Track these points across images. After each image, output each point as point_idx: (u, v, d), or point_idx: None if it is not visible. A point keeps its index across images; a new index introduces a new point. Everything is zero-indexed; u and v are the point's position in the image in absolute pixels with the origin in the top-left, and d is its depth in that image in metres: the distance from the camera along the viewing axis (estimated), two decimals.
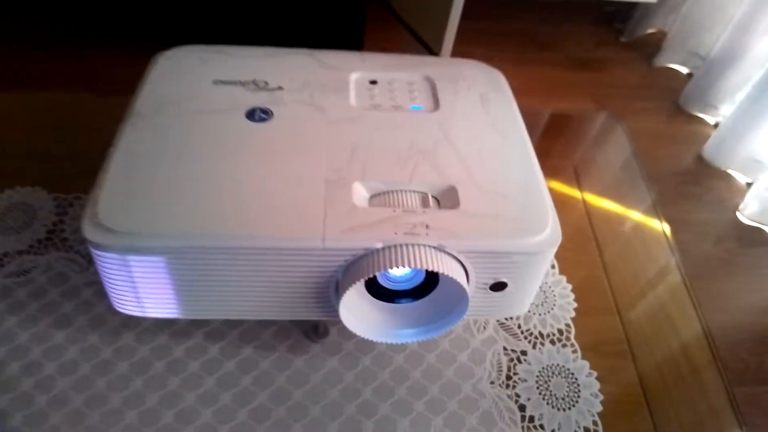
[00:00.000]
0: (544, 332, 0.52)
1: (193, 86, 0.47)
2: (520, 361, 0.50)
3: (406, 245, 0.38)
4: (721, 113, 1.50)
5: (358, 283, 0.38)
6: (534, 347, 0.51)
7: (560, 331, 0.53)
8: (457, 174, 0.43)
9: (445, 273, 0.38)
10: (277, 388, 0.46)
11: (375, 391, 0.47)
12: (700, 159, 1.45)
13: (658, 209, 0.64)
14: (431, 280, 0.43)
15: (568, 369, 0.50)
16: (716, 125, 1.51)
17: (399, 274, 0.43)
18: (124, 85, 0.50)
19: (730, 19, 1.37)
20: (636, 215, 0.65)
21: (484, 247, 0.39)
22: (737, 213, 1.32)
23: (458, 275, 0.39)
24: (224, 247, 0.37)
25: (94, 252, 0.38)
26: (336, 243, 0.38)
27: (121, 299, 0.41)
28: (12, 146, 0.60)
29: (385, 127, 0.46)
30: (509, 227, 0.40)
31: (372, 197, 0.42)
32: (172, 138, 0.43)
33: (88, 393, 0.44)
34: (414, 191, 0.42)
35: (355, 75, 0.51)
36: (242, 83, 0.48)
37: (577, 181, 0.66)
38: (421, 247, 0.38)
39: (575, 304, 0.55)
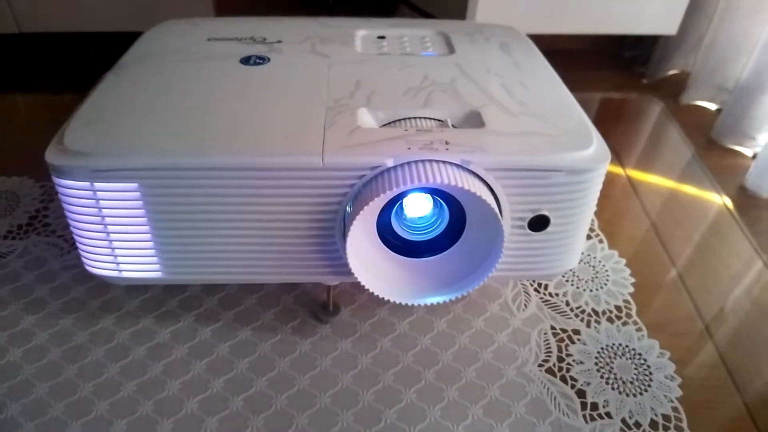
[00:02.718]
0: (599, 309, 0.43)
1: (184, 43, 0.44)
2: (572, 341, 0.41)
3: (423, 161, 0.32)
4: (759, 143, 1.42)
5: (366, 214, 0.31)
6: (588, 326, 0.42)
7: (618, 308, 0.44)
8: (480, 100, 0.37)
9: (471, 191, 0.31)
10: (279, 374, 0.38)
11: (397, 376, 0.38)
12: (743, 190, 1.36)
13: (714, 182, 0.56)
14: (456, 225, 0.36)
15: (634, 349, 0.41)
16: (755, 156, 1.44)
17: (418, 215, 0.36)
18: None
19: (755, 43, 1.34)
20: (689, 189, 0.57)
21: (518, 163, 0.32)
22: None
23: (487, 197, 0.32)
24: (205, 166, 0.31)
25: (59, 184, 0.32)
26: (337, 159, 0.32)
27: (93, 253, 0.35)
28: (7, 142, 0.58)
29: (394, 67, 0.41)
30: (547, 143, 0.34)
31: (380, 126, 0.36)
32: (157, 75, 0.39)
33: (54, 381, 0.37)
34: (429, 118, 0.36)
35: (361, 31, 0.47)
36: (238, 39, 0.44)
37: (618, 159, 0.59)
38: (441, 164, 0.32)
39: (633, 279, 0.46)
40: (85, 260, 0.36)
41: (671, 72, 1.68)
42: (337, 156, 0.32)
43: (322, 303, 0.42)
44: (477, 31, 0.49)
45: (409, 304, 0.35)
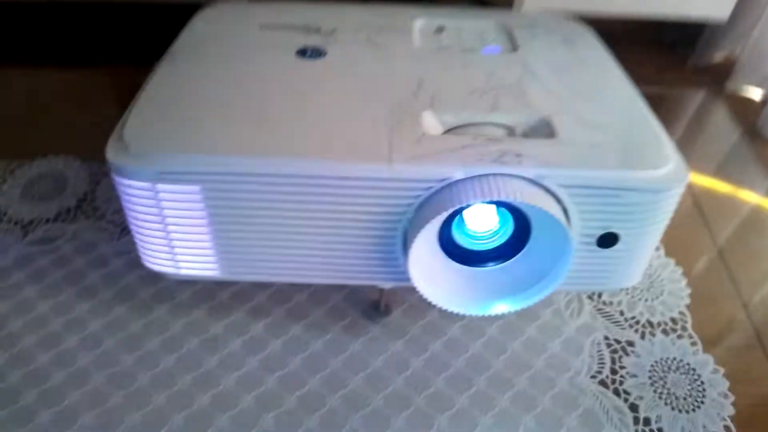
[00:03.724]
0: (654, 321, 0.43)
1: (237, 30, 0.42)
2: (626, 353, 0.40)
3: (494, 175, 0.31)
4: None
5: (431, 226, 0.31)
6: (642, 337, 0.42)
7: (673, 320, 0.43)
8: (549, 106, 0.36)
9: (545, 209, 0.30)
10: (331, 373, 0.38)
11: (448, 381, 0.38)
12: None
13: None
14: (519, 237, 0.35)
15: (688, 364, 0.40)
16: None
17: (482, 230, 0.35)
18: None
19: None
20: (750, 195, 0.55)
21: (592, 180, 0.31)
22: None
23: (560, 216, 0.31)
24: (270, 172, 0.31)
25: (120, 183, 0.32)
26: (405, 170, 0.31)
27: (152, 249, 0.35)
28: (51, 119, 0.57)
29: (455, 65, 0.40)
30: (622, 158, 0.32)
31: (446, 131, 0.35)
32: (213, 67, 0.38)
33: (112, 370, 0.37)
34: (497, 124, 0.35)
35: (418, 21, 0.45)
36: (292, 27, 0.43)
37: None
38: (513, 178, 0.31)
39: (688, 290, 0.45)
40: (143, 256, 0.36)
41: (717, 57, 1.60)
42: (405, 166, 0.31)
43: (373, 303, 0.41)
44: (538, 24, 0.47)
45: (471, 315, 0.35)
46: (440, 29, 0.45)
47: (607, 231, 0.33)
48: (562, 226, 0.31)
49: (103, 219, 0.46)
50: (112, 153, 0.31)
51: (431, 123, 0.34)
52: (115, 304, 0.41)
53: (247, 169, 0.30)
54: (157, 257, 0.35)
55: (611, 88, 0.39)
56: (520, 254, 0.35)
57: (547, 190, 0.31)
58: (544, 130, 0.34)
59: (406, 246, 0.33)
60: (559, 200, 0.32)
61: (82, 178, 0.50)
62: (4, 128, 0.56)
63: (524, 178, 0.31)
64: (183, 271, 0.36)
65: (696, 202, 0.53)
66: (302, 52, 0.40)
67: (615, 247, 0.34)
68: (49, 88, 0.61)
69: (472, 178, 0.31)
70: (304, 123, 0.33)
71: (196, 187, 0.31)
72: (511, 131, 0.35)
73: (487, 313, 0.35)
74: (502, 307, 0.35)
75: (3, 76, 0.63)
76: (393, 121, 0.33)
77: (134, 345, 0.38)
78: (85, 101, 0.59)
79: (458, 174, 0.31)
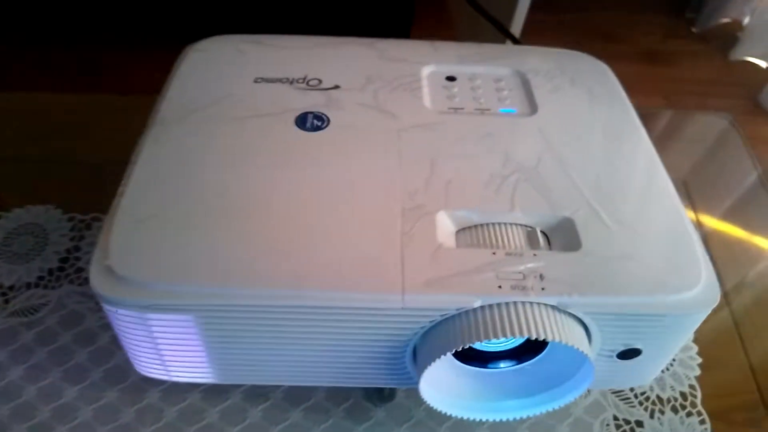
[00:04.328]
0: (664, 396, 0.42)
1: (229, 86, 0.38)
2: None
3: (515, 304, 0.28)
4: None
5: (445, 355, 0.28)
6: (652, 416, 0.40)
7: (683, 395, 0.42)
8: (572, 200, 0.33)
9: (565, 343, 0.28)
10: None
11: None
12: None
13: None
14: (535, 342, 0.33)
15: None
16: None
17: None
18: (155, 84, 0.41)
19: None
20: (760, 240, 0.54)
21: (619, 307, 0.29)
22: None
23: (583, 345, 0.29)
24: (270, 305, 0.28)
25: (106, 308, 0.29)
26: (419, 300, 0.28)
27: (142, 361, 0.33)
28: (21, 154, 0.52)
29: (470, 137, 0.36)
30: (650, 278, 0.30)
31: (460, 231, 0.32)
32: (204, 155, 0.34)
33: None
34: (517, 224, 0.32)
35: (427, 69, 0.41)
36: (290, 81, 0.39)
37: (690, 199, 0.54)
38: (535, 307, 0.28)
39: (699, 359, 0.44)
40: (133, 363, 0.33)
41: (724, 20, 1.54)
42: (419, 295, 0.28)
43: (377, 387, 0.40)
44: (558, 68, 0.43)
45: (485, 419, 0.33)
46: (451, 78, 0.41)
47: (630, 347, 0.31)
48: (582, 355, 0.29)
49: (87, 283, 0.43)
50: (97, 282, 0.28)
51: (446, 225, 0.32)
52: (105, 387, 0.39)
53: (242, 301, 0.28)
54: (147, 367, 0.33)
55: (639, 174, 0.36)
56: (536, 359, 0.33)
57: (572, 316, 0.29)
58: (567, 234, 0.32)
59: (417, 360, 0.31)
60: (581, 322, 0.30)
61: (64, 232, 0.46)
62: None
63: (548, 306, 0.28)
64: (175, 378, 0.33)
65: (711, 252, 0.51)
66: (302, 121, 0.36)
67: (635, 359, 0.32)
68: (10, 116, 0.55)
69: (491, 308, 0.28)
70: (309, 236, 0.30)
71: (188, 316, 0.28)
72: (531, 233, 0.32)
73: (499, 418, 0.33)
74: (514, 410, 0.33)
75: None
76: (406, 227, 0.31)
77: None
78: (55, 131, 0.54)
79: (476, 302, 0.28)
